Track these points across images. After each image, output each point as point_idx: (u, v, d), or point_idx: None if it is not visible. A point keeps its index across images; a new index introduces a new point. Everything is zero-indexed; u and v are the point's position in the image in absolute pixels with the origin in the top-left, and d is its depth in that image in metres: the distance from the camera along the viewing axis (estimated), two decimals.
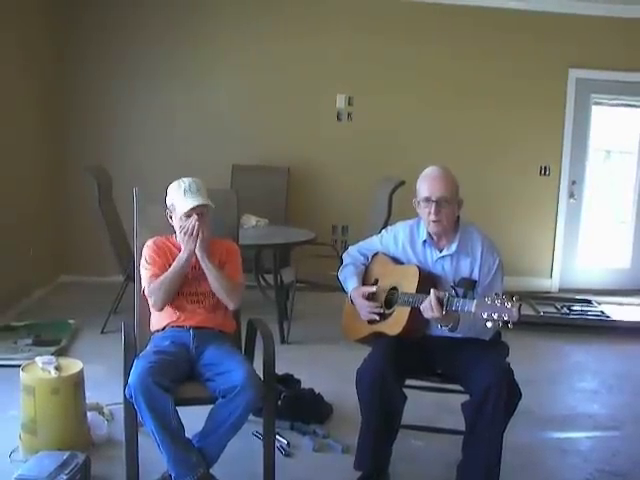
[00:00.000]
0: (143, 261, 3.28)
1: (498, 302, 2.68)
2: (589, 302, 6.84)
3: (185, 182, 3.25)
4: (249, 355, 3.40)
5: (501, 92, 7.19)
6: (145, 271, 3.25)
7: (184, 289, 3.25)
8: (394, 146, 7.10)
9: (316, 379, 4.27)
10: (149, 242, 3.33)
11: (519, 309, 2.65)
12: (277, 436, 3.42)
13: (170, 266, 3.20)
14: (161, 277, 3.17)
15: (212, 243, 3.29)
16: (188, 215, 3.19)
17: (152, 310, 3.28)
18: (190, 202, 3.19)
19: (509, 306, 2.66)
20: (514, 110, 7.23)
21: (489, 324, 2.70)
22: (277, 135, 7.01)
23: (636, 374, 5.19)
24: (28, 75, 6.02)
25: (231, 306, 3.29)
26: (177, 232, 3.26)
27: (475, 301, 2.78)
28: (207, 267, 3.22)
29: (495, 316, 2.67)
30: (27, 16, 5.94)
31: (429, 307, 2.87)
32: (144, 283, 3.24)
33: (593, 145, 7.54)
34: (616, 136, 7.66)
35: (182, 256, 3.21)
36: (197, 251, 3.20)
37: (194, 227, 3.17)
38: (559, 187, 7.44)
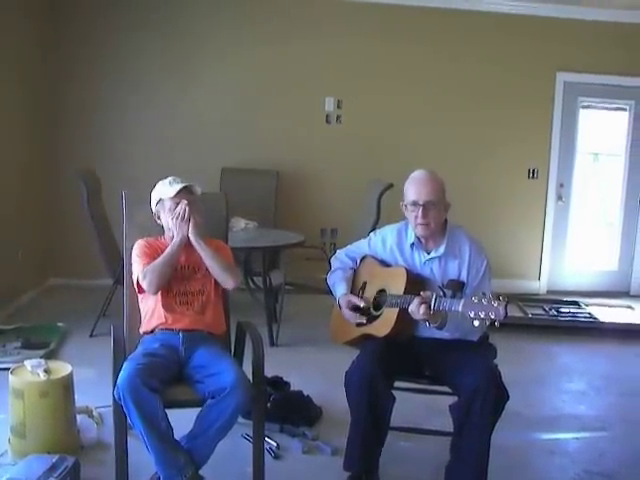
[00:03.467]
0: (134, 256, 3.29)
1: (485, 301, 2.70)
2: (577, 304, 6.87)
3: (168, 178, 3.32)
4: (238, 357, 3.40)
5: (490, 95, 7.23)
6: (137, 264, 3.25)
7: (173, 287, 3.25)
8: (383, 149, 7.12)
9: (305, 381, 4.28)
10: (140, 241, 3.34)
11: (506, 307, 2.67)
12: (266, 438, 3.42)
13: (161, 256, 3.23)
14: (155, 262, 3.19)
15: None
16: (177, 203, 3.23)
17: (144, 310, 3.30)
18: (177, 187, 3.24)
19: (496, 305, 2.67)
20: (502, 113, 7.28)
21: (476, 323, 2.71)
22: (266, 138, 7.02)
23: (623, 375, 5.22)
24: (17, 77, 6.01)
25: (229, 284, 3.29)
26: (169, 223, 3.26)
27: (462, 300, 2.80)
28: (201, 247, 3.24)
29: (482, 315, 2.69)
30: (16, 19, 5.93)
31: (416, 308, 2.89)
32: (137, 272, 3.23)
33: (581, 148, 7.58)
34: (603, 139, 7.70)
35: (175, 241, 3.23)
36: (190, 234, 3.22)
37: (185, 211, 3.21)
38: (547, 190, 7.49)
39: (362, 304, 3.27)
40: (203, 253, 3.25)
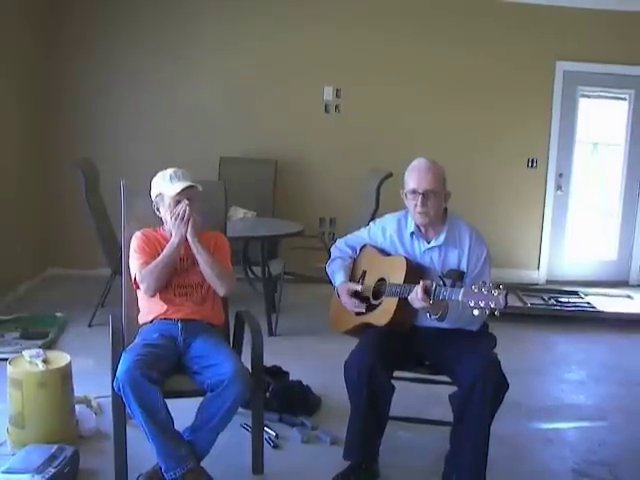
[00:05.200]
0: (132, 251, 3.27)
1: (485, 290, 2.69)
2: (576, 294, 6.87)
3: (169, 171, 3.28)
4: (237, 347, 3.40)
5: (489, 85, 7.20)
6: (135, 260, 3.24)
7: (173, 280, 3.24)
8: (382, 138, 7.10)
9: (304, 371, 4.28)
10: (137, 233, 3.33)
11: (506, 297, 2.66)
12: (265, 428, 3.43)
13: (159, 256, 3.20)
14: (152, 263, 3.17)
15: (201, 235, 3.28)
16: (177, 201, 3.20)
17: (142, 301, 3.29)
18: (179, 185, 3.20)
19: (496, 294, 2.67)
20: (501, 103, 7.25)
21: (476, 312, 2.71)
22: (265, 127, 6.99)
23: (622, 365, 5.22)
24: (15, 73, 5.97)
25: (222, 292, 3.28)
26: (167, 220, 3.24)
27: (462, 290, 2.80)
28: (198, 251, 3.21)
29: (482, 304, 2.68)
30: (10, 16, 5.88)
31: (416, 297, 2.89)
32: (134, 271, 3.22)
33: (580, 137, 7.55)
34: (603, 128, 7.67)
35: (173, 241, 3.20)
36: (188, 236, 3.20)
37: (185, 211, 3.18)
38: (546, 179, 7.47)
39: (360, 287, 3.27)
40: (199, 257, 3.22)
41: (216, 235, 3.44)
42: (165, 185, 3.24)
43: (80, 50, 6.75)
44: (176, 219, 3.19)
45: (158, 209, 3.30)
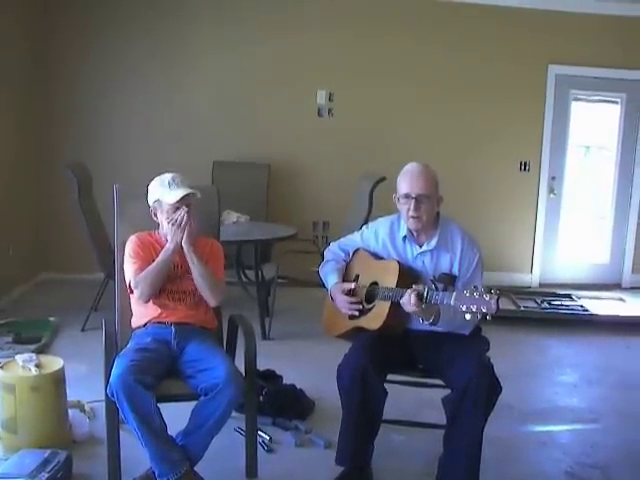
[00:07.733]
0: (127, 255, 3.26)
1: (477, 294, 2.69)
2: (569, 297, 6.88)
3: (167, 176, 3.25)
4: (230, 351, 3.40)
5: (481, 88, 7.22)
6: (130, 265, 3.22)
7: (166, 286, 3.23)
8: (375, 142, 7.11)
9: (298, 375, 4.28)
10: (132, 237, 3.31)
11: (497, 301, 2.66)
12: (259, 432, 3.42)
13: (154, 261, 3.19)
14: (147, 269, 3.16)
15: (196, 240, 3.27)
16: (176, 207, 3.19)
17: (136, 305, 3.28)
18: (179, 192, 3.18)
19: (487, 298, 2.66)
20: (494, 106, 7.27)
21: (468, 316, 2.70)
22: (258, 131, 7.00)
23: (615, 367, 5.23)
24: (9, 76, 5.96)
25: (212, 303, 3.28)
26: (165, 225, 3.22)
27: (454, 294, 2.79)
28: (192, 260, 3.20)
29: (474, 308, 2.68)
30: (4, 19, 5.86)
31: (408, 301, 2.89)
32: (129, 276, 3.21)
33: (572, 141, 7.58)
34: (595, 132, 7.70)
35: (169, 247, 3.19)
36: (183, 244, 3.19)
37: (183, 218, 3.17)
38: (539, 183, 7.49)
39: (353, 285, 3.26)
40: (192, 267, 3.21)
41: (211, 242, 3.43)
42: (164, 191, 3.22)
43: (74, 53, 6.75)
44: (173, 225, 3.18)
45: (155, 215, 3.28)
